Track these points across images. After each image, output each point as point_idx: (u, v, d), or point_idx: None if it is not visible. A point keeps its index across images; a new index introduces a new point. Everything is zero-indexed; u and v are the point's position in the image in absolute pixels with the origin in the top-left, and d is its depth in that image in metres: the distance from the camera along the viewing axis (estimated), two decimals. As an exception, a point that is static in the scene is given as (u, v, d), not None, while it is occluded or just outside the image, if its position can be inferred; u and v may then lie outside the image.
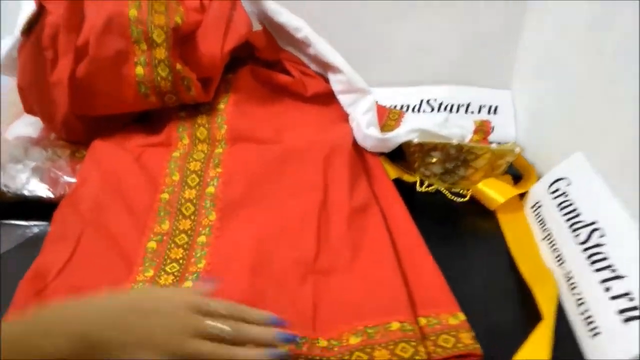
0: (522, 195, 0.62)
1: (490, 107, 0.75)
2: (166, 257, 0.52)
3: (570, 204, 0.53)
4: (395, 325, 0.44)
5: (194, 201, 0.56)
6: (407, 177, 0.65)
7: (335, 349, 0.43)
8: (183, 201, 0.56)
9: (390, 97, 0.75)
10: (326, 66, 0.69)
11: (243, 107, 0.64)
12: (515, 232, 0.58)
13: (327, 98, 0.69)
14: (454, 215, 0.62)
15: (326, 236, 0.53)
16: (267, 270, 0.49)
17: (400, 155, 0.66)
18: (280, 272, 0.49)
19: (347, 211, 0.55)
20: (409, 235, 0.55)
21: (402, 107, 0.75)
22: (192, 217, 0.55)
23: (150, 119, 0.67)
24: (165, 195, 0.57)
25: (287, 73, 0.69)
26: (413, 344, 0.42)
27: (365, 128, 0.63)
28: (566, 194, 0.55)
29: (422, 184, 0.64)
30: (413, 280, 0.49)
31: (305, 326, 0.44)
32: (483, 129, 0.67)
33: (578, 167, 0.55)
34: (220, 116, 0.63)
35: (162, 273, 0.50)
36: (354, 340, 0.43)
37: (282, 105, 0.68)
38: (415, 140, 0.61)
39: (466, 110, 0.75)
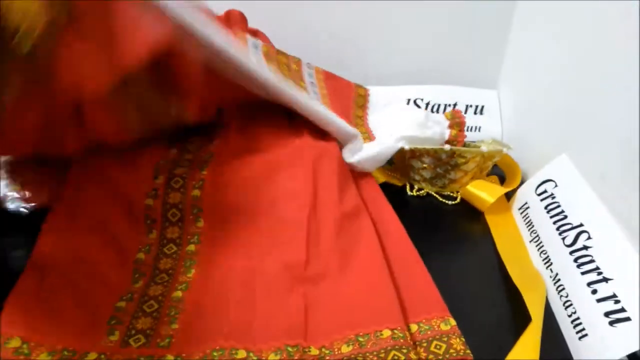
0: (508, 197, 0.62)
1: (476, 107, 0.76)
2: (155, 268, 0.51)
3: (558, 206, 0.54)
4: (386, 333, 0.44)
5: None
6: (396, 181, 0.66)
7: (327, 358, 0.44)
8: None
9: (375, 95, 0.75)
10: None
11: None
12: (503, 234, 0.58)
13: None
14: (446, 217, 0.62)
15: (316, 242, 0.53)
16: (258, 278, 0.49)
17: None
18: (269, 280, 0.49)
19: (337, 216, 0.55)
20: (399, 241, 0.55)
21: (385, 105, 0.75)
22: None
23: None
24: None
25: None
26: (404, 351, 0.43)
27: (356, 161, 0.62)
28: (553, 195, 0.55)
29: (412, 188, 0.64)
30: (404, 286, 0.50)
31: (296, 334, 0.45)
32: (456, 121, 0.66)
33: (563, 169, 0.55)
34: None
35: (152, 283, 0.49)
36: (345, 349, 0.44)
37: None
38: (407, 147, 0.61)
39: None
